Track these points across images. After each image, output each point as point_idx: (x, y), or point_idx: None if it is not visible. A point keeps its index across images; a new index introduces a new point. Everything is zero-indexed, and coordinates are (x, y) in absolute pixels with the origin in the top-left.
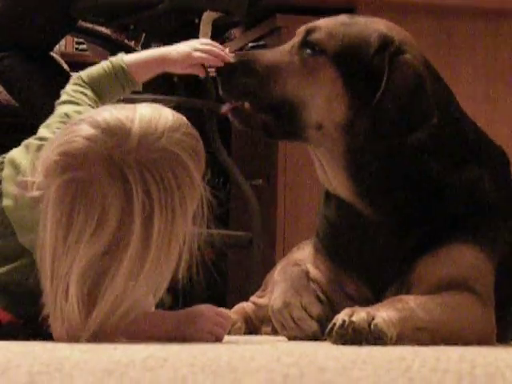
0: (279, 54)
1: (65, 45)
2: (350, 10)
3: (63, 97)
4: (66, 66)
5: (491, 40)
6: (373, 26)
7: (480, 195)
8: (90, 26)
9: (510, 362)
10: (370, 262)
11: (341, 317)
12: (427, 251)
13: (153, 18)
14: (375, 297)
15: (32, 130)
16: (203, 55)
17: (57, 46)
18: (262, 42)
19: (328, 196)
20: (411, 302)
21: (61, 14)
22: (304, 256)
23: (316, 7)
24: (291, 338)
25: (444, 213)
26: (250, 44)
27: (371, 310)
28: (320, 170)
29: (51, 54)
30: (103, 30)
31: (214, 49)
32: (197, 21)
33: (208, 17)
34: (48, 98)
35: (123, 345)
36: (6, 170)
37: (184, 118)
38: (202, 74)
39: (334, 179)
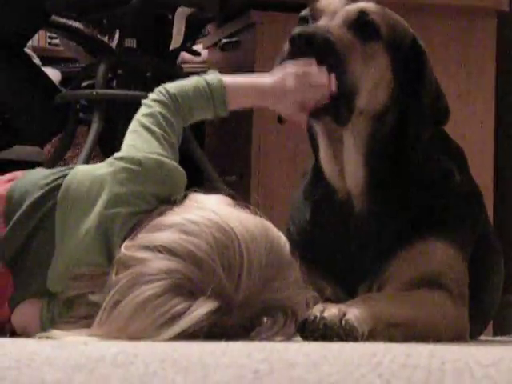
0: (341, 38)
1: (37, 39)
2: None
3: (147, 111)
4: (38, 61)
5: (464, 37)
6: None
7: (452, 186)
8: (63, 20)
9: (479, 358)
10: (346, 260)
11: (312, 313)
12: (401, 247)
13: (126, 14)
14: (349, 297)
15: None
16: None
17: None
18: (235, 38)
19: (306, 197)
20: (383, 298)
21: (34, 8)
22: None
23: (290, 3)
24: None
25: (421, 203)
26: (224, 40)
27: (343, 306)
28: (330, 157)
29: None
30: (76, 24)
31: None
32: (170, 17)
33: (181, 13)
34: (19, 94)
35: (94, 340)
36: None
37: None
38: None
39: (349, 166)
